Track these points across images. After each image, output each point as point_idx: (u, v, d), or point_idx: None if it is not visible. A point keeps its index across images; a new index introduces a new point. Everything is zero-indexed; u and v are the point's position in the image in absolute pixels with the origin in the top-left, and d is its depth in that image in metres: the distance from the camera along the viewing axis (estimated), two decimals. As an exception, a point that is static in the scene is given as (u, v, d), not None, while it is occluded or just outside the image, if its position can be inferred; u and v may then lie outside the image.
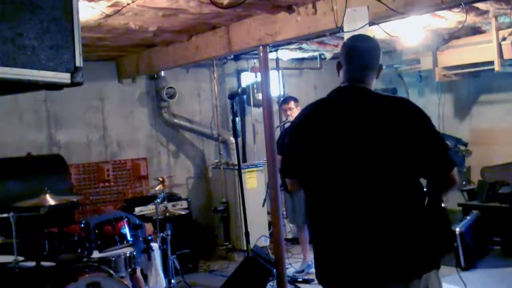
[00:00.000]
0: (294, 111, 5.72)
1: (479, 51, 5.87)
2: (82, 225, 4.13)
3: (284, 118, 6.04)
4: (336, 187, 2.18)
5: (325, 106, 2.30)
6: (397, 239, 2.09)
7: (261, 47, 4.53)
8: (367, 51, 2.29)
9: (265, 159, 4.74)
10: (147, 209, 5.15)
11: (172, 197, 6.15)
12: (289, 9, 4.14)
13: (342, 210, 2.16)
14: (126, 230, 4.37)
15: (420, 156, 2.10)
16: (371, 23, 3.70)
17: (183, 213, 5.41)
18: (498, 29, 5.29)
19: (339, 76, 2.34)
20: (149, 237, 4.53)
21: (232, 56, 6.73)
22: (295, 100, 5.80)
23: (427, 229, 2.14)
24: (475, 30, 5.77)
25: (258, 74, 6.75)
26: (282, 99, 6.28)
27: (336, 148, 2.17)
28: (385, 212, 2.10)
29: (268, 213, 6.12)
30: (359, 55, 2.28)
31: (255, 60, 7.00)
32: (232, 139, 6.81)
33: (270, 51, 6.08)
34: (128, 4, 3.71)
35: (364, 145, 2.12)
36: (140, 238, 4.47)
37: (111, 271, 4.08)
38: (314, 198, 2.31)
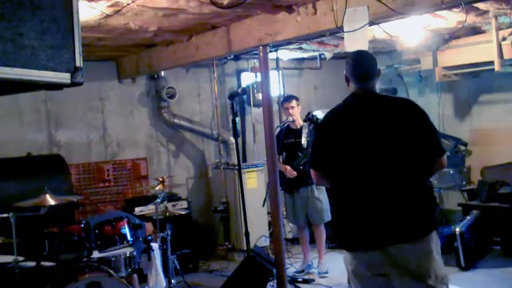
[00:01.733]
0: (295, 110, 5.72)
1: (479, 51, 5.87)
2: (82, 225, 4.13)
3: (284, 118, 6.04)
4: (359, 173, 2.79)
5: (344, 109, 2.96)
6: (408, 210, 2.74)
7: (261, 47, 4.53)
8: (367, 63, 2.95)
9: (265, 159, 4.74)
10: (147, 209, 5.15)
11: (172, 197, 6.15)
12: (289, 9, 4.14)
13: (366, 190, 2.78)
14: (126, 230, 4.37)
15: (420, 144, 2.76)
16: (371, 23, 3.71)
17: (183, 213, 5.42)
18: (498, 29, 5.29)
19: (348, 87, 2.99)
20: (149, 237, 4.53)
21: (232, 56, 6.73)
22: (296, 98, 5.79)
23: (427, 201, 2.84)
24: (475, 30, 5.77)
25: (258, 74, 6.75)
26: (282, 98, 6.26)
27: (358, 141, 2.79)
28: (398, 190, 2.75)
29: (268, 213, 6.12)
30: (362, 68, 2.93)
31: (255, 60, 6.99)
32: (232, 139, 6.81)
33: (270, 51, 6.08)
34: (128, 4, 3.71)
35: (379, 137, 2.76)
36: (140, 238, 4.48)
37: (111, 271, 4.09)
38: (340, 183, 2.89)
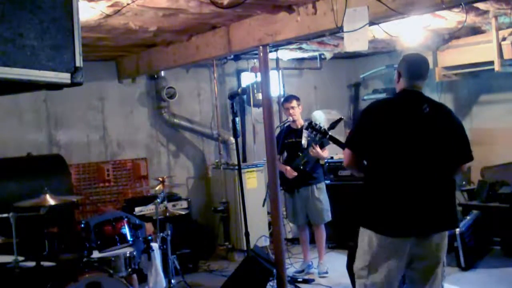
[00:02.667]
0: (296, 110, 5.70)
1: (479, 51, 5.86)
2: (82, 225, 4.13)
3: (284, 118, 6.03)
4: (401, 164, 3.02)
5: (393, 101, 3.29)
6: (441, 204, 3.06)
7: (261, 47, 4.53)
8: (422, 64, 3.22)
9: (265, 159, 4.74)
10: (147, 209, 5.14)
11: (172, 197, 6.15)
12: (289, 9, 4.14)
13: (407, 181, 3.01)
14: (126, 230, 4.37)
15: (456, 148, 3.12)
16: (371, 23, 3.70)
17: (183, 213, 5.41)
18: (498, 29, 5.29)
19: (398, 83, 3.22)
20: (149, 237, 4.53)
21: (232, 56, 6.73)
22: (297, 98, 5.77)
23: (454, 198, 3.19)
24: (475, 30, 5.77)
25: (258, 74, 6.75)
26: (283, 98, 6.23)
27: (402, 135, 3.03)
28: (435, 185, 3.04)
29: (268, 213, 6.11)
30: (416, 68, 3.18)
31: (255, 60, 6.99)
32: (232, 139, 6.81)
33: (270, 51, 6.09)
34: (128, 4, 3.71)
35: (423, 135, 3.03)
36: (140, 238, 4.47)
37: (111, 271, 4.08)
38: (380, 170, 3.09)
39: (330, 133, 4.96)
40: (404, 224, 3.01)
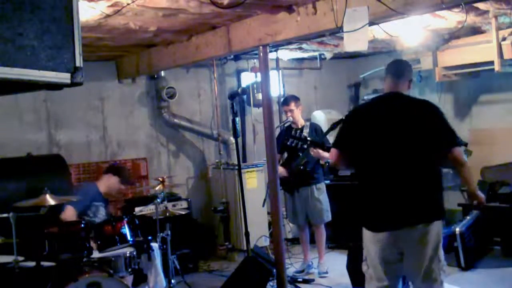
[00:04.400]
0: (294, 113, 5.67)
1: (479, 51, 5.86)
2: (82, 225, 4.13)
3: (284, 118, 6.03)
4: (382, 161, 3.19)
5: (371, 103, 3.57)
6: (424, 196, 3.16)
7: (261, 47, 4.52)
8: (399, 63, 3.51)
9: (265, 159, 4.74)
10: (147, 209, 5.15)
11: (172, 197, 6.15)
12: (289, 9, 4.14)
13: (386, 178, 3.19)
14: (126, 230, 4.37)
15: (436, 137, 3.17)
16: (371, 23, 3.70)
17: (183, 213, 5.41)
18: (498, 29, 5.29)
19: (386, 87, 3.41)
20: (149, 237, 4.53)
21: (232, 56, 6.74)
22: (296, 99, 5.75)
23: (440, 190, 3.25)
24: (475, 30, 5.77)
25: (258, 74, 6.75)
26: (283, 98, 6.19)
27: (381, 133, 3.21)
28: (416, 177, 3.16)
29: (268, 213, 6.11)
30: (393, 66, 3.44)
31: (255, 60, 6.99)
32: (232, 139, 6.81)
33: (270, 51, 6.09)
34: (128, 4, 3.71)
35: (401, 131, 3.18)
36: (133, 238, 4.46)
37: (111, 271, 4.08)
38: (363, 167, 3.30)
39: (310, 139, 5.11)
40: (383, 218, 3.20)
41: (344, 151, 3.38)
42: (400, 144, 3.18)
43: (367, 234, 3.31)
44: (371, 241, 3.28)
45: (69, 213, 4.63)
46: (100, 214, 4.91)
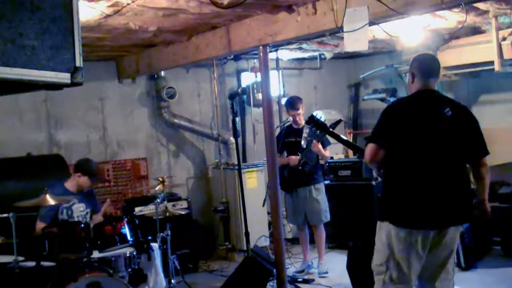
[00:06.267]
0: (301, 116, 5.65)
1: (479, 51, 5.86)
2: (82, 225, 4.13)
3: (284, 118, 6.01)
4: (422, 161, 3.14)
5: (413, 101, 3.31)
6: (464, 197, 3.23)
7: (261, 47, 4.53)
8: (433, 63, 3.33)
9: (265, 159, 4.74)
10: (147, 209, 5.15)
11: (172, 197, 6.15)
12: (289, 9, 4.14)
13: (432, 174, 3.14)
14: (126, 230, 4.37)
15: (471, 143, 3.24)
16: (371, 23, 3.71)
17: (183, 213, 5.41)
18: (498, 29, 5.28)
19: (412, 83, 3.31)
20: (149, 237, 4.53)
21: (232, 56, 6.73)
22: (302, 102, 5.68)
23: (470, 193, 3.31)
24: (475, 30, 5.77)
25: (258, 74, 6.75)
26: (287, 101, 5.85)
27: (423, 132, 3.15)
28: (456, 178, 3.21)
29: (268, 213, 6.11)
30: (429, 66, 3.29)
31: (255, 60, 6.99)
32: (232, 139, 6.81)
33: (270, 51, 6.08)
34: (128, 4, 3.71)
35: (443, 132, 3.15)
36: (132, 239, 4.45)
37: (111, 271, 4.08)
38: (403, 165, 3.20)
39: (331, 129, 4.89)
40: (422, 216, 3.13)
41: (383, 147, 3.21)
42: (444, 144, 3.17)
43: (394, 232, 3.17)
44: (399, 239, 3.15)
45: (38, 228, 4.43)
46: (78, 211, 4.67)
